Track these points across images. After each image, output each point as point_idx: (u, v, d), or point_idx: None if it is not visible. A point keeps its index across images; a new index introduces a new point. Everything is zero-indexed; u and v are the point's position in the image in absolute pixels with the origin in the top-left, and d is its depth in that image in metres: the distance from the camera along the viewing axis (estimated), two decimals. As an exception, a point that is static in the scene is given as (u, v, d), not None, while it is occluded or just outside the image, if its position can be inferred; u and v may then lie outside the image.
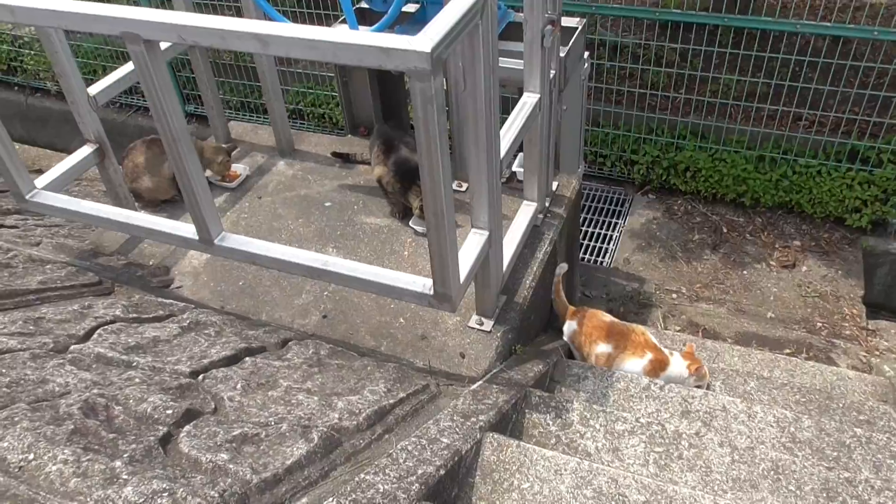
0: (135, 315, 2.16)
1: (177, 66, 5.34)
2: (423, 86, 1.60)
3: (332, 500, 1.29)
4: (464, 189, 3.07)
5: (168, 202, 3.14)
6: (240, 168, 3.26)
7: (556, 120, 2.92)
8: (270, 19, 2.74)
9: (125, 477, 1.22)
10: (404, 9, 3.08)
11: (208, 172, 3.19)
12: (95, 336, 1.93)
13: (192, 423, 1.50)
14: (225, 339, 2.08)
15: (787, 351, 3.38)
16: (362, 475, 1.41)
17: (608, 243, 4.25)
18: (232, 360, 1.95)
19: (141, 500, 1.16)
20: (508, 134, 2.32)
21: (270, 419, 1.60)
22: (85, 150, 2.77)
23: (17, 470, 1.21)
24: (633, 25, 4.78)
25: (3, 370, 1.56)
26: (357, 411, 1.71)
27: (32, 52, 5.89)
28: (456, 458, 1.60)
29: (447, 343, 2.41)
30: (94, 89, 2.74)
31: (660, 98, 4.35)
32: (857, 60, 3.77)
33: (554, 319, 3.04)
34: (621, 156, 4.49)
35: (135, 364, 1.80)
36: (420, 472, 1.47)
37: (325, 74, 5.07)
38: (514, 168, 3.15)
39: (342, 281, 2.18)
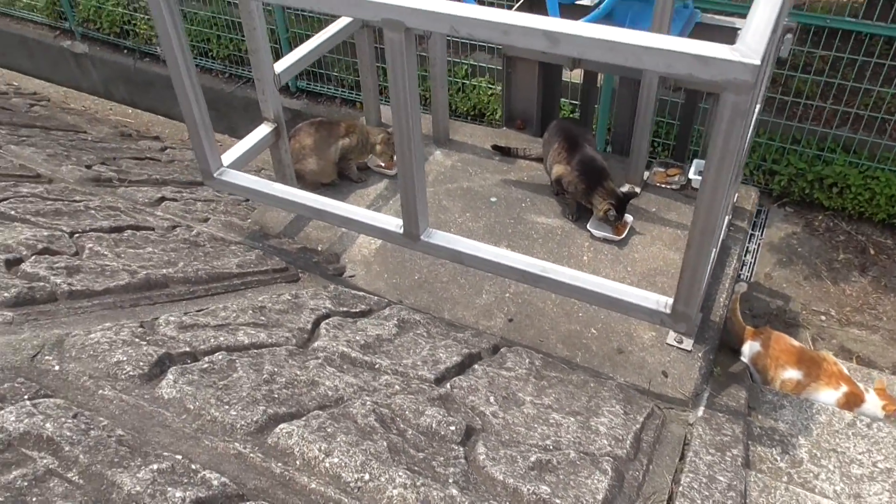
0: (343, 309, 2.09)
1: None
2: (738, 99, 1.47)
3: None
4: (637, 192, 2.94)
5: (327, 185, 3.07)
6: (400, 155, 3.16)
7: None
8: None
9: (471, 509, 1.13)
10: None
11: (374, 158, 3.12)
12: (323, 331, 1.85)
13: (479, 443, 1.42)
14: (443, 341, 1.99)
15: (955, 388, 3.19)
16: (675, 518, 1.31)
17: (746, 255, 4.08)
18: (462, 367, 1.86)
19: (504, 540, 1.07)
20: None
21: (547, 443, 1.50)
22: (264, 129, 2.70)
23: (356, 490, 1.13)
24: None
25: (275, 368, 1.49)
26: (620, 437, 1.61)
27: (146, 17, 5.88)
28: (741, 500, 1.49)
29: (646, 359, 2.29)
30: (278, 67, 2.66)
31: (813, 108, 4.14)
32: None
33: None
34: (760, 165, 4.30)
35: (377, 366, 1.72)
36: (728, 517, 1.36)
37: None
38: (691, 175, 3.00)
39: (560, 289, 2.07)
